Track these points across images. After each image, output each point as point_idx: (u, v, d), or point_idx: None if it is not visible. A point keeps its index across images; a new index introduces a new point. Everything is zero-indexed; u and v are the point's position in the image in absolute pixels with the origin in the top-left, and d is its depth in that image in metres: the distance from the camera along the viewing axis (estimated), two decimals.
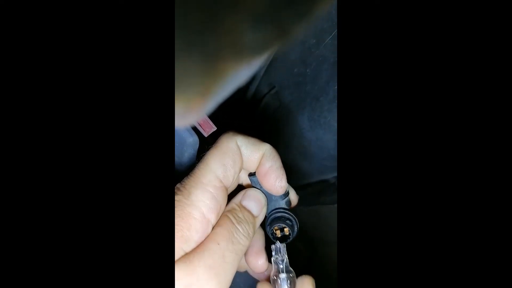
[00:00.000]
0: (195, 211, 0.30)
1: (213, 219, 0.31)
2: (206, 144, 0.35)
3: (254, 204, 0.34)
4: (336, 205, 0.49)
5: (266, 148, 0.35)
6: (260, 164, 0.35)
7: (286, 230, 0.36)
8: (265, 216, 0.36)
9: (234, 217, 0.32)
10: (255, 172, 0.36)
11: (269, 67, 0.48)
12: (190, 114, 0.16)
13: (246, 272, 0.38)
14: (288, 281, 0.34)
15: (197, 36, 0.11)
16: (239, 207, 0.34)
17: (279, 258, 0.35)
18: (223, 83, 0.15)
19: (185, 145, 0.37)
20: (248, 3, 0.11)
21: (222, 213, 0.33)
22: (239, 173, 0.35)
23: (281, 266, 0.34)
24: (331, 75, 0.42)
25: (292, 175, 0.55)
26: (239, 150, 0.34)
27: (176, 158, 0.39)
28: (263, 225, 0.36)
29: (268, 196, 0.36)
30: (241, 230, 0.32)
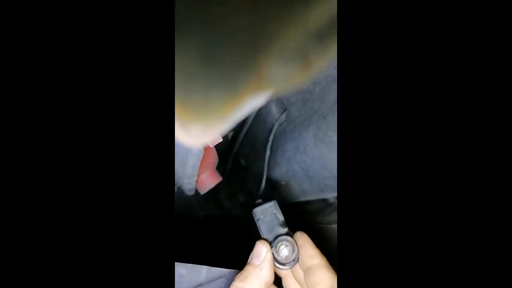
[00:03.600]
0: None
1: None
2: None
3: None
4: (334, 225, 0.49)
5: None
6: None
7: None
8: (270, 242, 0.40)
9: None
10: (260, 201, 0.40)
11: None
12: (206, 135, 0.16)
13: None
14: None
15: (223, 72, 0.11)
16: None
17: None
18: (242, 108, 0.15)
19: (189, 153, 0.37)
20: (280, 41, 0.11)
21: None
22: None
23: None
24: None
25: (292, 191, 0.54)
26: None
27: (179, 166, 0.39)
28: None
29: (271, 226, 0.40)
30: None
